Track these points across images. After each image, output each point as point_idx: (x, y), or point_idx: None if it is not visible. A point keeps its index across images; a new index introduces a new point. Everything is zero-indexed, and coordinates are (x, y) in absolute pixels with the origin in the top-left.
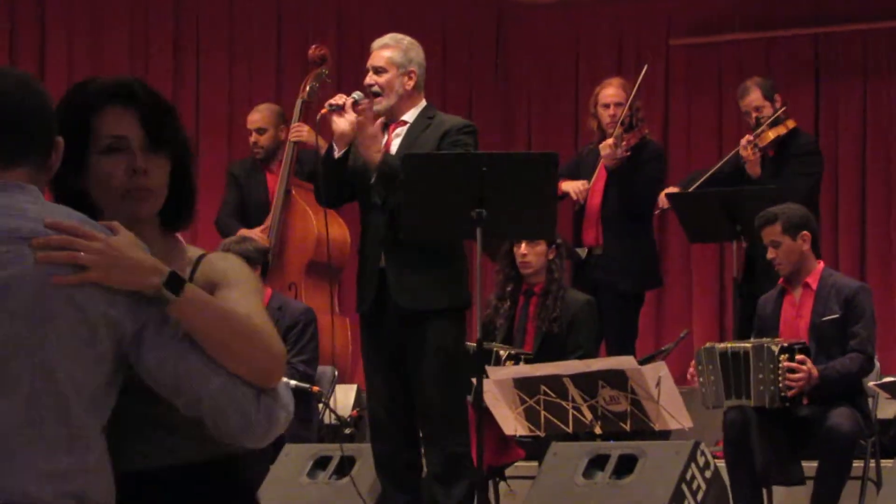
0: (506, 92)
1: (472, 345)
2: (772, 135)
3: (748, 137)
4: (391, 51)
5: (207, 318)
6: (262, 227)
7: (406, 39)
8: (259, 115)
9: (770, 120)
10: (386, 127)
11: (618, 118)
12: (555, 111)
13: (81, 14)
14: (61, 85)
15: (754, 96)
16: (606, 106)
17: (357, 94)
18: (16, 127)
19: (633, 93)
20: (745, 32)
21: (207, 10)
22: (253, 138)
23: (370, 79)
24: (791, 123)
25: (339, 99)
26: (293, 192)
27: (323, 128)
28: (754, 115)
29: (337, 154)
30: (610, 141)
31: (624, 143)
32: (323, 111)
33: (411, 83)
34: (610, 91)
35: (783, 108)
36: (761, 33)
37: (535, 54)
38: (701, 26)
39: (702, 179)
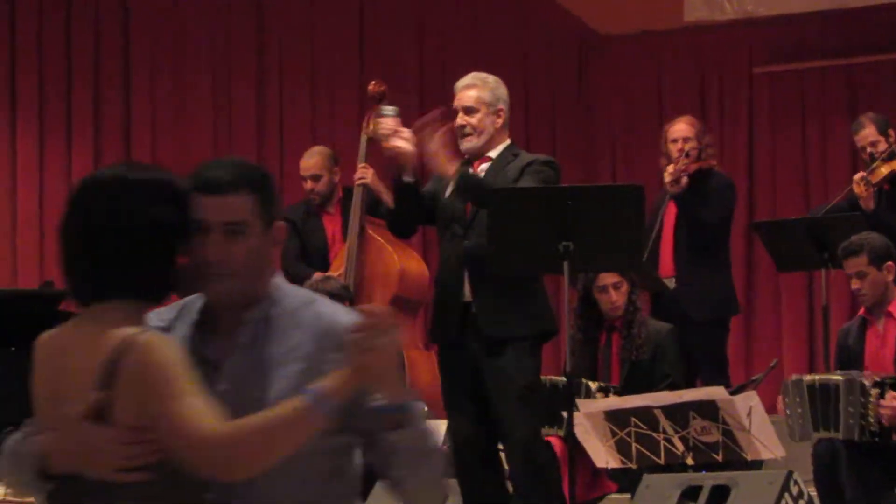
0: (588, 124)
1: (559, 379)
2: (885, 170)
3: (861, 174)
4: (478, 90)
5: None
6: (336, 272)
7: (490, 78)
8: (312, 162)
9: (884, 155)
10: (470, 163)
11: (685, 152)
12: (638, 143)
13: (165, 48)
14: (146, 117)
15: (868, 131)
16: (675, 141)
17: (387, 110)
18: None
19: (700, 128)
20: (828, 59)
21: (289, 48)
22: (308, 185)
23: (461, 119)
24: None
25: (384, 129)
26: (368, 229)
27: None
28: (869, 150)
29: (406, 178)
30: (671, 168)
31: (684, 167)
32: (385, 145)
33: (500, 121)
34: (679, 127)
35: None
36: (844, 60)
37: (617, 85)
38: (783, 53)
39: (819, 215)
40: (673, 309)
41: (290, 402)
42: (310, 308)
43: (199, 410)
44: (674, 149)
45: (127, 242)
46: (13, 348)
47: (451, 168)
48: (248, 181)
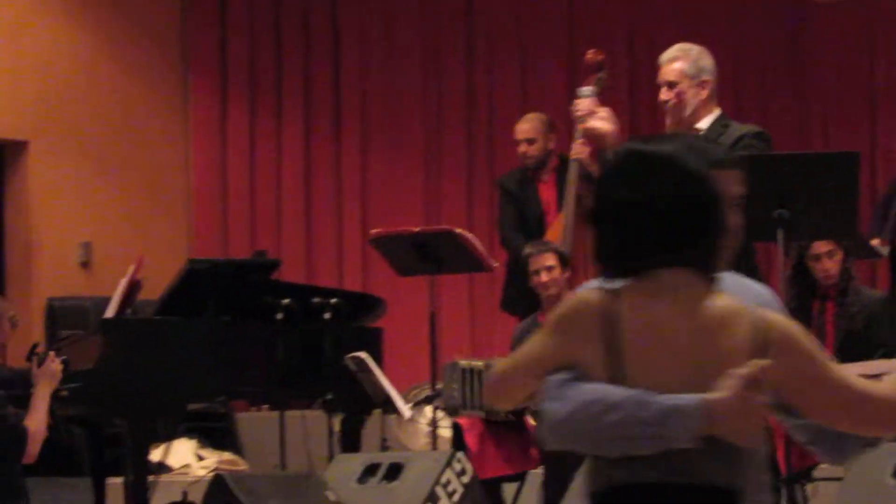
0: (800, 94)
1: None
2: None
3: None
4: (681, 62)
5: None
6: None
7: (694, 49)
8: (528, 126)
9: None
10: None
11: None
12: (849, 113)
13: (375, 20)
14: (356, 89)
15: None
16: None
17: (583, 91)
18: None
19: None
20: None
21: (498, 17)
22: (522, 149)
23: (664, 94)
24: None
25: (580, 111)
26: (584, 199)
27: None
28: None
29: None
30: None
31: None
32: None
33: (704, 93)
34: None
35: None
36: None
37: (828, 55)
38: None
39: None
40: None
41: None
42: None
43: (845, 373)
44: None
45: (703, 215)
46: (227, 318)
47: None
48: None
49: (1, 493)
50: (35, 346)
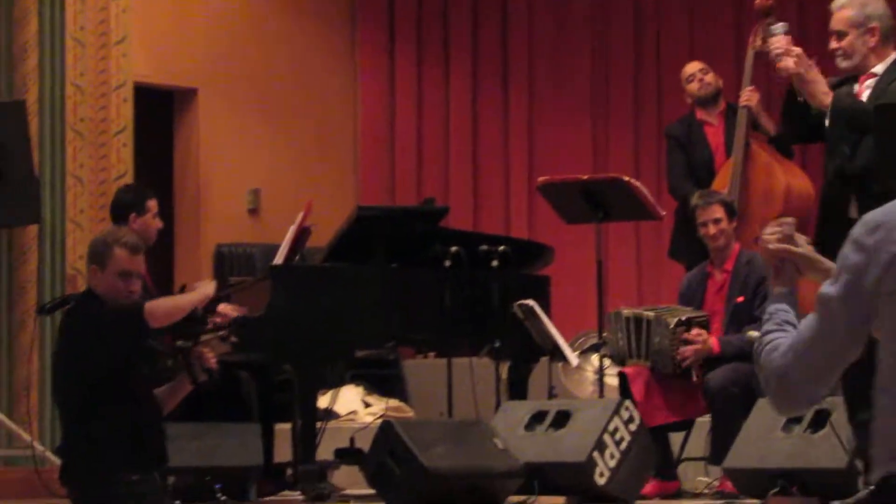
0: None
1: None
2: None
3: None
4: (848, 10)
5: None
6: (719, 188)
7: None
8: (696, 62)
9: None
10: (856, 79)
11: None
12: None
13: None
14: (523, 43)
15: None
16: None
17: (776, 27)
18: None
19: None
20: None
21: None
22: (695, 84)
23: (833, 44)
24: None
25: (775, 48)
26: (753, 145)
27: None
28: None
29: (800, 98)
30: None
31: None
32: (778, 65)
33: (874, 39)
34: None
35: None
36: None
37: None
38: None
39: None
40: None
41: None
42: None
43: None
44: None
45: None
46: (395, 265)
47: (825, 98)
48: None
49: (119, 397)
50: (184, 286)
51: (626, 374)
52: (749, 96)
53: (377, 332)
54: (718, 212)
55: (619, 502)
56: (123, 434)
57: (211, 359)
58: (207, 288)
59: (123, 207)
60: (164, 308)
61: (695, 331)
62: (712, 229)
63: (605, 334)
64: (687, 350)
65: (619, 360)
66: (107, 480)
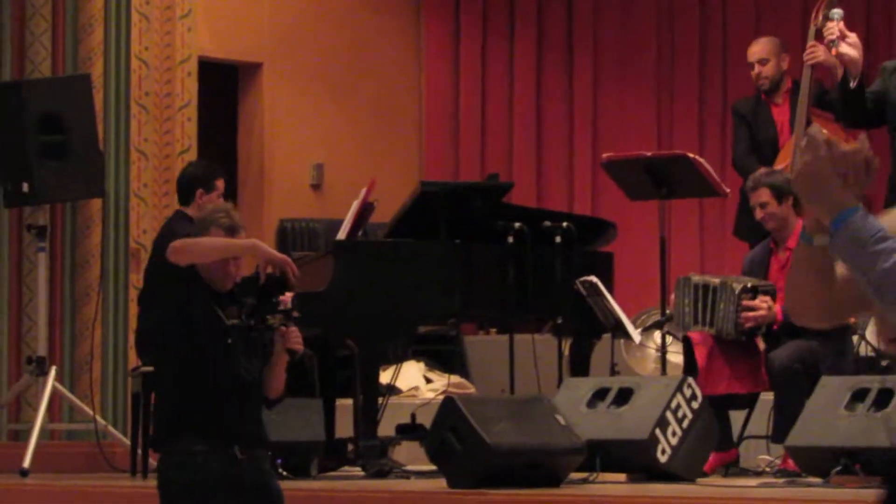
0: None
1: None
2: None
3: None
4: None
5: None
6: (780, 164)
7: None
8: (759, 47)
9: None
10: None
11: None
12: None
13: None
14: (588, 16)
15: None
16: None
17: (834, 13)
18: None
19: None
20: None
21: None
22: (755, 70)
23: None
24: None
25: (830, 34)
26: (814, 122)
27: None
28: None
29: (853, 84)
30: None
31: None
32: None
33: None
34: None
35: None
36: None
37: None
38: None
39: None
40: None
41: None
42: None
43: None
44: None
45: None
46: (458, 241)
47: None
48: None
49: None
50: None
51: (690, 339)
52: (811, 52)
53: (439, 308)
54: (764, 195)
55: (680, 480)
56: (190, 401)
57: (295, 339)
58: (245, 242)
59: (191, 182)
60: (181, 244)
61: (760, 298)
62: (759, 213)
63: (669, 310)
64: (750, 315)
65: (683, 327)
66: (163, 445)
